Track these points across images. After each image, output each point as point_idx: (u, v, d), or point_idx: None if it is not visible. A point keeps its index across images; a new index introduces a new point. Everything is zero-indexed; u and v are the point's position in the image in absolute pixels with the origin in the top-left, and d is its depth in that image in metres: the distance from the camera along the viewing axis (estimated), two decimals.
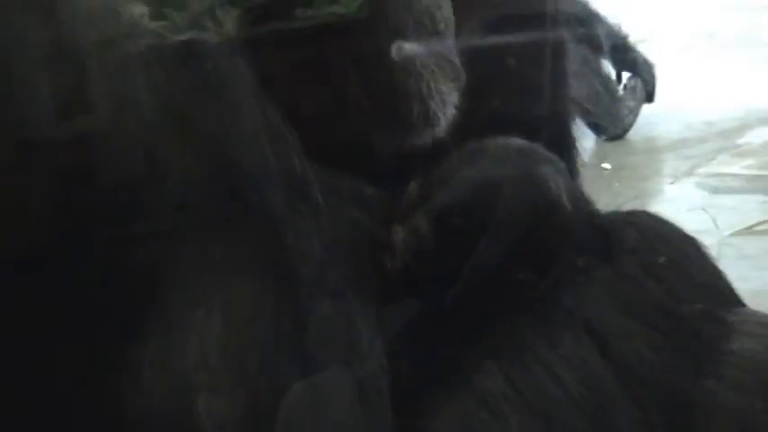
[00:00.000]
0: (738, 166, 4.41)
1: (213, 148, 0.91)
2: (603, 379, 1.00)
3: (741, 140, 4.70)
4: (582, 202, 1.07)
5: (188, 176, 0.90)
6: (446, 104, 1.11)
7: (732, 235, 3.54)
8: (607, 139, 4.81)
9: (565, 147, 1.24)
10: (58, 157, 0.88)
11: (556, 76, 1.29)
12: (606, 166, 4.26)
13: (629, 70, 5.08)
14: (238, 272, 0.91)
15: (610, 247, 1.07)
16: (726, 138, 4.76)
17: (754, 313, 1.12)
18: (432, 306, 1.03)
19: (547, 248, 1.04)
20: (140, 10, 0.94)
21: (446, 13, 1.11)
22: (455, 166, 1.04)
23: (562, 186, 1.05)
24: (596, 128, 4.74)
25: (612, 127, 4.86)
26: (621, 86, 5.04)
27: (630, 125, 5.00)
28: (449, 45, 1.13)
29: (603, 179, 4.19)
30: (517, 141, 1.06)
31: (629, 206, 1.17)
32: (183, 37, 0.94)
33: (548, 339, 1.00)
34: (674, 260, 1.09)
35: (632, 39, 5.17)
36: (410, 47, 1.10)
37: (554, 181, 1.05)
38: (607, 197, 1.73)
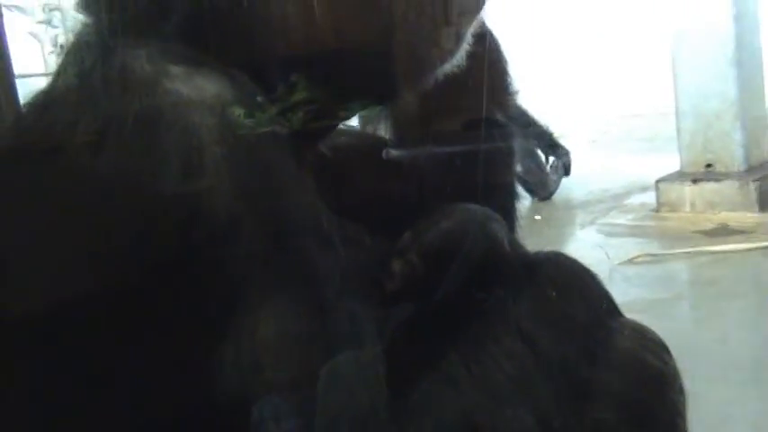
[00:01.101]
0: (624, 219, 4.41)
1: (274, 212, 0.88)
2: (529, 366, 0.98)
3: (626, 202, 4.71)
4: (517, 246, 1.06)
5: (253, 230, 0.86)
6: None
7: (619, 264, 3.53)
8: (539, 200, 4.81)
9: (510, 205, 1.22)
10: (171, 212, 0.84)
11: (506, 159, 1.27)
12: (538, 217, 4.27)
13: (553, 155, 5.09)
14: (283, 293, 0.88)
15: (535, 276, 1.06)
16: (616, 200, 4.78)
17: (629, 321, 1.10)
18: (416, 315, 1.02)
19: (494, 277, 1.02)
20: (239, 111, 0.90)
21: None
22: (435, 221, 1.03)
23: (504, 236, 1.04)
24: (531, 192, 4.75)
25: (542, 192, 4.86)
26: (548, 165, 5.05)
27: (554, 191, 5.00)
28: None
29: (536, 227, 4.19)
30: (476, 207, 1.05)
31: (550, 247, 1.16)
32: (267, 130, 0.89)
33: (493, 338, 0.99)
34: (577, 285, 1.08)
35: (556, 134, 5.18)
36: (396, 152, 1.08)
37: (499, 233, 1.04)
38: (539, 238, 1.75)
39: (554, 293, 1.06)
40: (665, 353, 1.07)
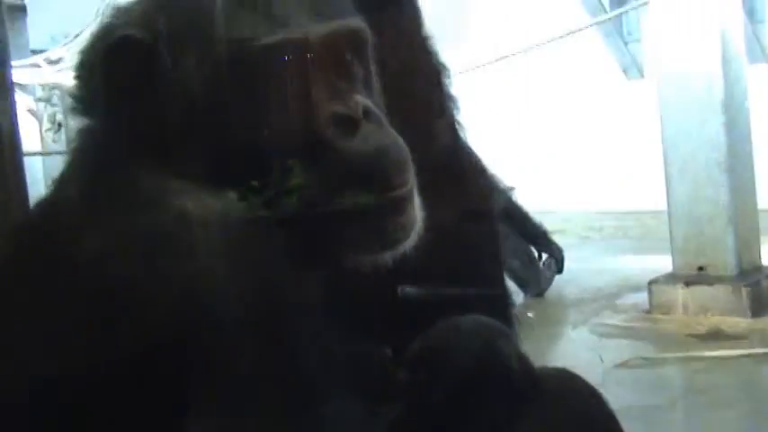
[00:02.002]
0: (617, 319, 4.40)
1: (277, 327, 0.89)
2: None
3: (618, 302, 4.71)
4: (524, 362, 1.07)
5: (232, 306, 0.86)
6: None
7: (612, 368, 3.51)
8: (531, 297, 4.80)
9: (506, 306, 1.24)
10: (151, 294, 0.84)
11: (498, 260, 1.29)
12: (530, 314, 4.25)
13: (546, 252, 5.10)
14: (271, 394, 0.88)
15: (541, 391, 1.06)
16: (609, 299, 4.78)
17: None
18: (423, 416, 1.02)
19: (500, 394, 1.03)
20: (210, 197, 0.91)
21: None
22: (443, 337, 1.04)
23: (512, 352, 1.05)
24: (525, 289, 4.74)
25: (535, 289, 4.87)
26: (541, 263, 5.06)
27: (547, 288, 5.01)
28: None
29: (528, 324, 4.16)
30: (483, 320, 1.07)
31: (543, 346, 1.17)
32: (260, 215, 0.91)
33: None
34: (582, 405, 1.09)
35: (549, 230, 5.21)
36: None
37: (506, 349, 1.05)
38: (530, 336, 1.74)
39: (559, 407, 1.06)
40: None
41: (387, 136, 0.98)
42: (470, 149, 1.23)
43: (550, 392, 1.07)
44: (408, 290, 1.08)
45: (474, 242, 1.16)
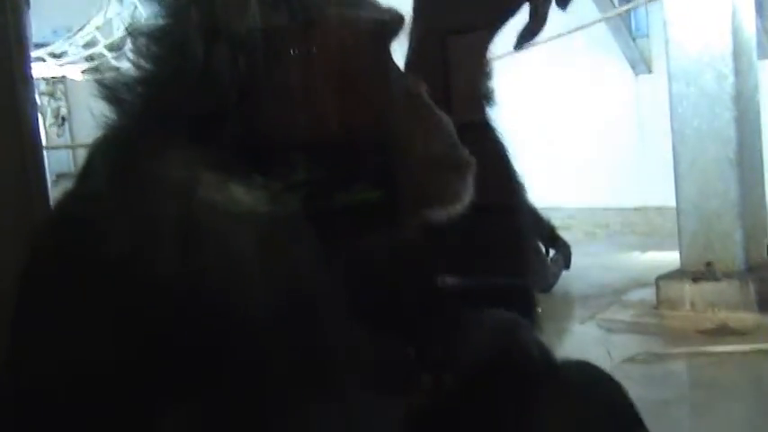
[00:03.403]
0: (624, 314, 4.40)
1: (304, 318, 0.89)
2: None
3: (625, 297, 4.70)
4: (545, 353, 1.08)
5: (263, 302, 0.87)
6: None
7: (620, 363, 3.51)
8: (539, 292, 4.79)
9: (528, 302, 1.24)
10: (182, 289, 0.85)
11: (521, 255, 1.29)
12: (538, 310, 4.25)
13: (553, 247, 5.11)
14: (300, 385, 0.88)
15: (561, 385, 1.07)
16: (615, 295, 4.78)
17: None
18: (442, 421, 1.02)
19: (522, 385, 1.04)
20: (242, 189, 0.90)
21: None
22: (466, 335, 1.04)
23: (533, 343, 1.06)
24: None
25: (542, 284, 4.86)
26: (549, 258, 5.07)
27: (554, 284, 5.01)
28: None
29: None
30: (505, 314, 1.07)
31: (552, 341, 1.18)
32: (265, 209, 0.90)
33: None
34: (603, 395, 1.09)
35: (556, 226, 5.22)
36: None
37: (527, 341, 1.06)
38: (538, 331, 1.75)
39: (580, 403, 1.07)
40: None
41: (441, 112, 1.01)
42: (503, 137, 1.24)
43: (571, 381, 1.07)
44: (448, 279, 1.09)
45: (505, 232, 1.17)
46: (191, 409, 0.83)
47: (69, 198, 1.00)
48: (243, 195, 0.89)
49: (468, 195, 1.01)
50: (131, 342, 0.84)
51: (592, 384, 1.08)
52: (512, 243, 1.22)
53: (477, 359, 1.01)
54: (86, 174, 0.99)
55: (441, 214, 1.00)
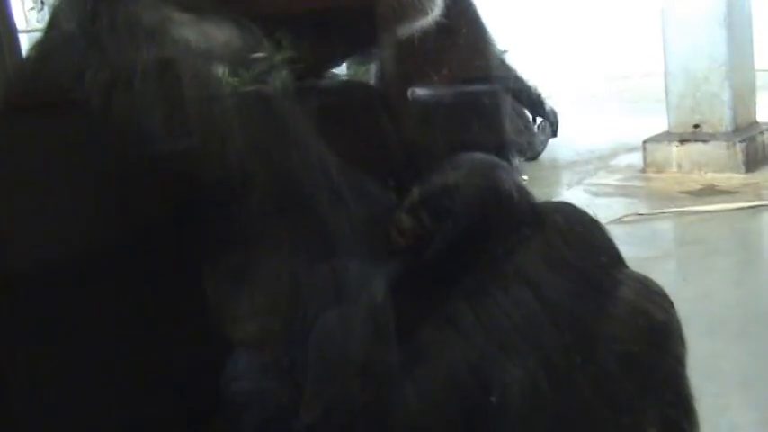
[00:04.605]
0: (611, 179, 4.41)
1: (280, 167, 0.87)
2: (537, 314, 0.98)
3: (612, 162, 4.71)
4: (525, 194, 1.05)
5: (261, 183, 0.85)
6: None
7: (607, 224, 3.53)
8: (525, 160, 4.79)
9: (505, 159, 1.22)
10: (172, 168, 0.83)
11: (498, 116, 1.26)
12: (525, 177, 4.24)
13: (540, 115, 5.07)
14: (294, 246, 0.87)
15: (543, 225, 1.04)
16: (602, 160, 4.78)
17: (634, 272, 1.10)
18: (424, 266, 1.00)
19: (501, 225, 1.01)
20: (223, 70, 0.88)
21: None
22: (442, 175, 1.01)
23: (511, 183, 1.03)
24: (518, 152, 4.72)
25: (529, 152, 4.85)
26: (535, 125, 5.04)
27: (541, 151, 5.00)
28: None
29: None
30: (480, 155, 1.04)
31: None
32: (251, 88, 0.87)
33: (502, 287, 0.98)
34: (584, 234, 1.07)
35: (543, 94, 5.16)
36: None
37: (506, 179, 1.03)
38: None
39: (562, 243, 1.05)
40: (667, 304, 1.07)
41: None
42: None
43: (553, 222, 1.05)
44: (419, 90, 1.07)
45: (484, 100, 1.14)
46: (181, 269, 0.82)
47: (39, 45, 0.97)
48: (216, 33, 0.86)
49: (436, 8, 0.97)
50: (110, 184, 0.82)
51: (573, 224, 1.06)
52: (492, 111, 1.20)
53: (456, 198, 0.99)
54: (54, 23, 0.95)
55: (412, 29, 0.97)
